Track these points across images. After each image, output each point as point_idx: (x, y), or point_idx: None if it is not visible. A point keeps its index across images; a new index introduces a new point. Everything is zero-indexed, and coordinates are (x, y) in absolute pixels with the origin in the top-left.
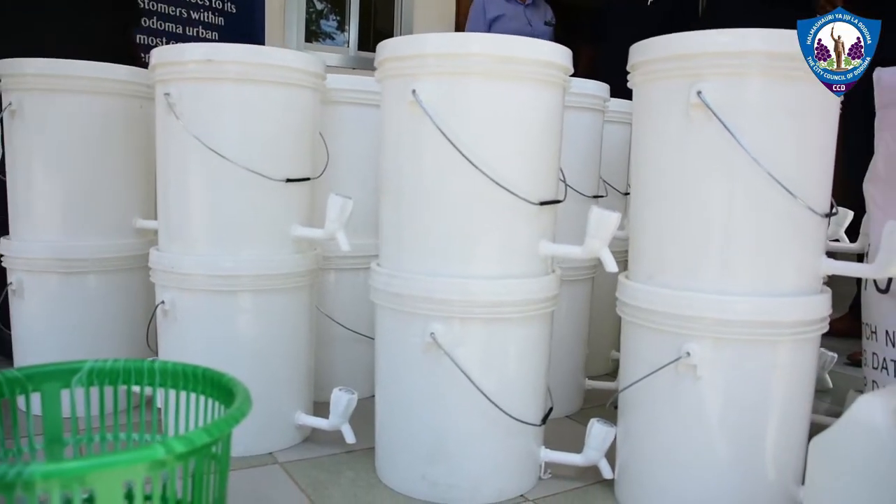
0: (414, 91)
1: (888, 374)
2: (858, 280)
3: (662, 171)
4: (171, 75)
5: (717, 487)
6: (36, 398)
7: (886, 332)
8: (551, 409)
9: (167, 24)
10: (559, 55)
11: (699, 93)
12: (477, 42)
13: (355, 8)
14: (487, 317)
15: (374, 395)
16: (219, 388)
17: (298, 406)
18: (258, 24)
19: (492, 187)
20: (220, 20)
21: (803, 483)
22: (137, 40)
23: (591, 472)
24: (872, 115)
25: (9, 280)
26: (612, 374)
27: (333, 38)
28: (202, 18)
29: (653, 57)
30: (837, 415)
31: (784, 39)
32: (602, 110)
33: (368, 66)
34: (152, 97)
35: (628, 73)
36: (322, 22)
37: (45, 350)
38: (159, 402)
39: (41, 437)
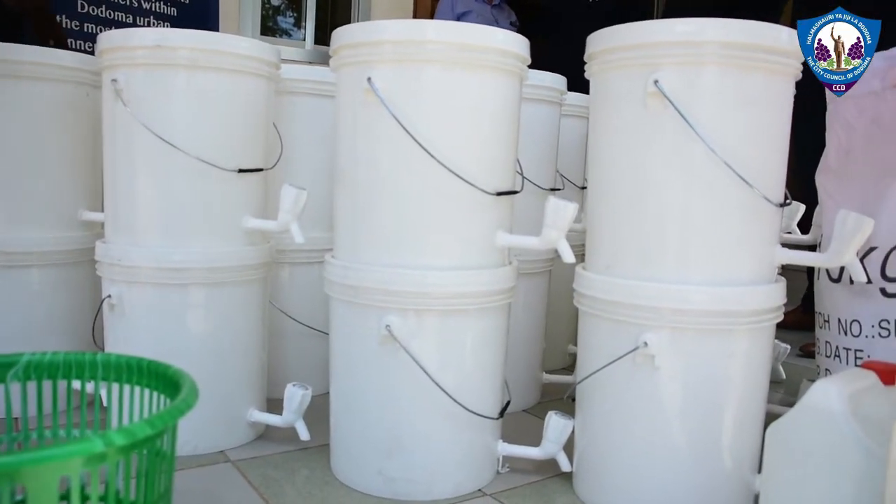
0: (369, 79)
1: (841, 361)
2: (810, 272)
3: (619, 161)
4: (118, 61)
5: (674, 477)
6: None
7: (839, 320)
8: (509, 403)
9: (116, 12)
10: (516, 44)
11: (656, 82)
12: (433, 29)
13: (312, 1)
14: (444, 309)
15: (328, 392)
16: (165, 380)
17: (251, 403)
18: (212, 16)
19: (448, 177)
20: (173, 10)
21: (759, 472)
22: (85, 29)
23: (549, 466)
24: (824, 108)
25: None
26: (570, 368)
27: (290, 35)
28: (153, 8)
29: (610, 46)
30: (791, 405)
31: (740, 29)
32: (559, 103)
33: (325, 61)
34: (99, 85)
35: (585, 63)
36: (279, 18)
37: None
38: (104, 400)
39: None
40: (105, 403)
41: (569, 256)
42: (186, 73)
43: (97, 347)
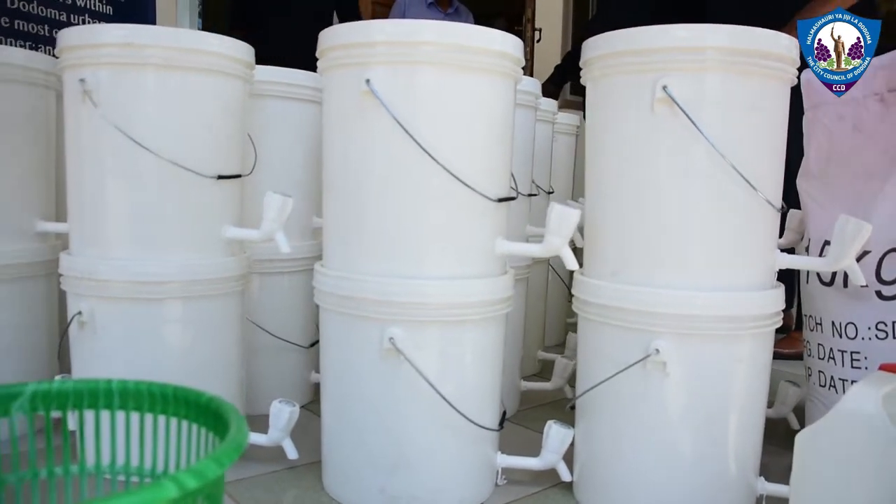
0: (368, 80)
1: (836, 363)
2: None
3: (624, 166)
4: (84, 59)
5: (681, 483)
6: None
7: (833, 323)
8: (505, 413)
9: (49, 10)
10: (511, 46)
11: (665, 87)
12: (428, 29)
13: None
14: (445, 319)
15: (304, 405)
16: (198, 408)
17: None
18: (149, 15)
19: (449, 183)
20: (109, 9)
21: (760, 474)
22: (16, 26)
23: (546, 476)
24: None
25: None
26: (541, 374)
27: None
28: (89, 6)
29: (613, 51)
30: (769, 405)
31: (741, 35)
32: (535, 107)
33: None
34: (51, 85)
35: (581, 68)
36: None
37: None
38: (72, 425)
39: None
40: (77, 434)
41: (572, 263)
42: (158, 72)
43: (60, 368)
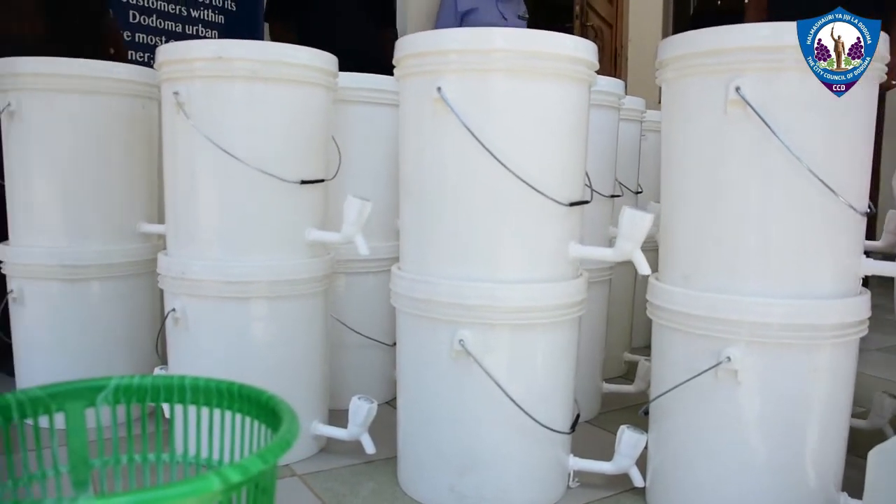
0: (439, 88)
1: None
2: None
3: (698, 170)
4: (178, 73)
5: (757, 494)
6: (59, 417)
7: None
8: (578, 416)
9: (167, 22)
10: (584, 50)
11: (738, 89)
12: (501, 37)
13: None
14: (516, 323)
15: (387, 402)
16: (258, 406)
17: (315, 416)
18: (259, 23)
19: (521, 188)
20: (221, 18)
21: (843, 489)
22: (137, 39)
23: (619, 480)
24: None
25: (9, 287)
26: (627, 376)
27: None
28: (202, 17)
29: (687, 52)
30: (861, 416)
31: None
32: (617, 107)
33: None
34: (154, 97)
35: (656, 69)
36: None
37: (47, 359)
38: (166, 412)
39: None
40: (170, 421)
41: (644, 268)
42: (246, 84)
43: (159, 360)
